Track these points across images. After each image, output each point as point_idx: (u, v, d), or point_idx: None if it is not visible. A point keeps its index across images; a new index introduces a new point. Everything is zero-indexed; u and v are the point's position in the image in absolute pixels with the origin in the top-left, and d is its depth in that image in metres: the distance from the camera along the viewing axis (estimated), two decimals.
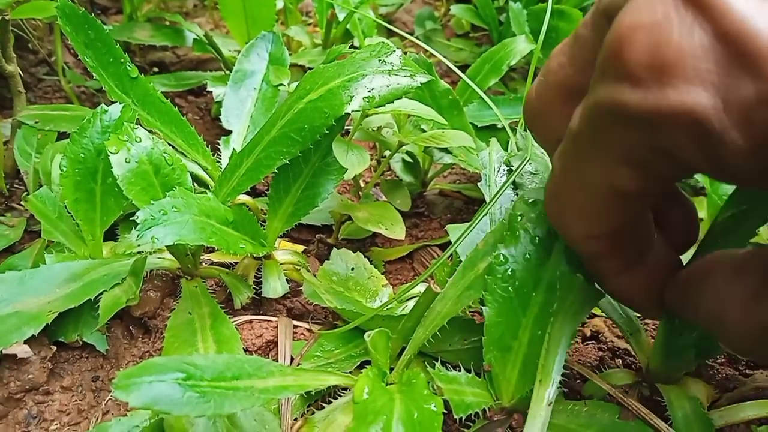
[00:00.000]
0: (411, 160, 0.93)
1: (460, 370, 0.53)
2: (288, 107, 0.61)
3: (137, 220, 0.52)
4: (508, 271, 0.51)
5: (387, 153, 0.89)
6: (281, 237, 0.78)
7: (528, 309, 0.50)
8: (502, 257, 0.51)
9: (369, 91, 0.59)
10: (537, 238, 0.51)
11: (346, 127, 0.90)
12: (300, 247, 0.79)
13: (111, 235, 0.71)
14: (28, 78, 1.11)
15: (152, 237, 0.52)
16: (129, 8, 1.14)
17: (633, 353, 0.62)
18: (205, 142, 0.80)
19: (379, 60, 0.62)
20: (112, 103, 0.64)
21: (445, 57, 1.32)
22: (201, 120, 1.08)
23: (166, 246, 0.60)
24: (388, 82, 0.60)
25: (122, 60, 0.69)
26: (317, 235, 0.83)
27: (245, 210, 0.64)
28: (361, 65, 0.62)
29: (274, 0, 0.97)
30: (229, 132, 0.86)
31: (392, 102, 0.60)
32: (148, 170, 0.60)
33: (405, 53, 0.97)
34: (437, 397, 0.49)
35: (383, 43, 0.65)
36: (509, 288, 0.51)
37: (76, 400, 0.60)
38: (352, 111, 0.58)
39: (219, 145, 0.84)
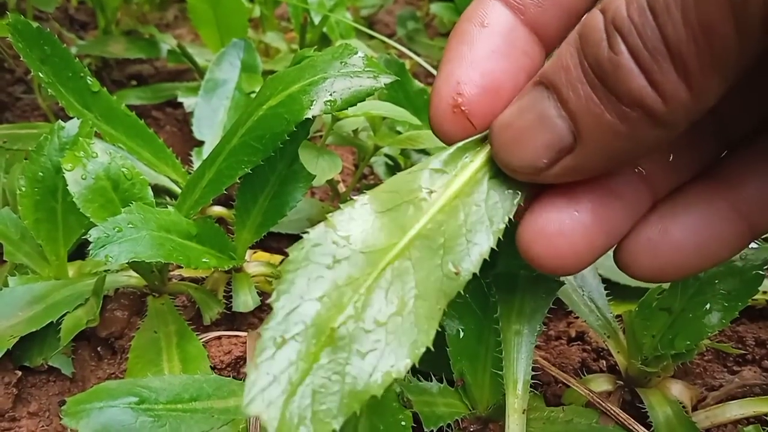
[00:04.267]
0: (392, 163, 0.91)
1: (432, 380, 0.51)
2: (248, 115, 0.59)
3: (90, 239, 0.50)
4: None
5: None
6: (257, 247, 0.76)
7: (487, 309, 0.48)
8: None
9: (330, 95, 0.57)
10: None
11: (319, 132, 0.88)
12: (278, 258, 0.77)
13: (80, 253, 0.69)
14: (5, 98, 1.10)
15: (106, 255, 0.50)
16: (103, 22, 1.12)
17: None
18: (180, 154, 0.78)
19: (341, 62, 0.60)
20: (71, 118, 0.63)
21: (428, 57, 1.30)
22: (180, 132, 1.06)
23: (129, 263, 0.58)
24: (350, 85, 0.58)
25: (82, 74, 0.68)
26: None
27: (210, 222, 0.62)
28: (323, 68, 0.59)
29: (245, 6, 0.96)
30: (202, 143, 0.84)
31: (355, 105, 0.58)
32: (105, 186, 0.58)
33: (388, 54, 0.95)
34: (406, 410, 0.47)
35: (346, 44, 0.63)
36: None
37: (43, 426, 0.58)
38: (313, 116, 0.57)
39: None
